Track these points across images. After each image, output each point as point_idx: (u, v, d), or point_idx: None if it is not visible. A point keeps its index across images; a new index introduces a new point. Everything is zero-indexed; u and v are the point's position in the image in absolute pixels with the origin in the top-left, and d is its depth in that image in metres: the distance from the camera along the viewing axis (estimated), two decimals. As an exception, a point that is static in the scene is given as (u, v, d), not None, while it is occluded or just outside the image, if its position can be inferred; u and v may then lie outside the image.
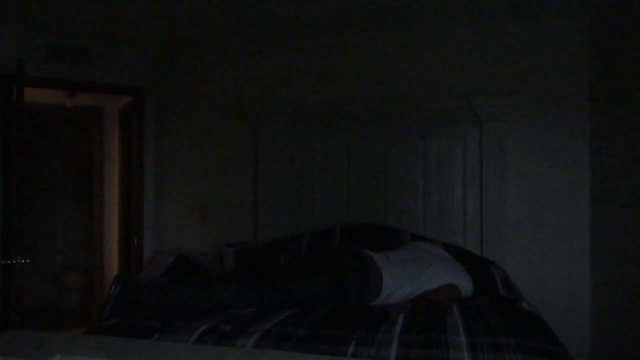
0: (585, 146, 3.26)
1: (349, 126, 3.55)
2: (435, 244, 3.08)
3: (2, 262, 3.21)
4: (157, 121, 4.03)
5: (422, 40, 3.51)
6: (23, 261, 3.10)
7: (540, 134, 3.33)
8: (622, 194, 2.82)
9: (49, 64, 3.57)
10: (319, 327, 1.88)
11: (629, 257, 2.73)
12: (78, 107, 4.65)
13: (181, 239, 3.96)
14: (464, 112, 3.30)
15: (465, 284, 2.60)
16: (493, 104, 3.26)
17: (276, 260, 3.28)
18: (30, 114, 3.67)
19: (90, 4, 3.09)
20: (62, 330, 4.75)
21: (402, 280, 2.50)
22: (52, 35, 3.58)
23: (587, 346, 3.20)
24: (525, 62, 3.35)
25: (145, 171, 3.98)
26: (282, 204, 3.65)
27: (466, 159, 3.36)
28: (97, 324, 2.10)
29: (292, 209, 3.65)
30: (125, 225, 4.41)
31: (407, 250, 2.90)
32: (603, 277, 3.10)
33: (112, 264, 4.68)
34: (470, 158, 3.35)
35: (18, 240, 3.18)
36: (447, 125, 3.39)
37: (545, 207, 3.32)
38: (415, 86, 3.50)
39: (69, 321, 5.35)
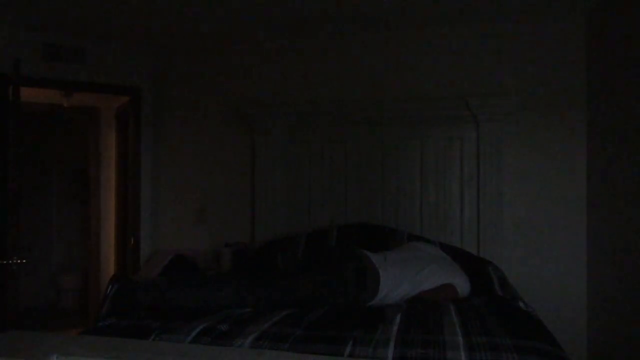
0: (582, 146, 3.27)
1: (346, 126, 3.55)
2: (432, 244, 3.08)
3: (-2, 262, 3.20)
4: (154, 121, 4.02)
5: (419, 41, 3.51)
6: (19, 261, 3.09)
7: (537, 134, 3.33)
8: (619, 193, 2.83)
9: (45, 63, 3.56)
10: (316, 327, 1.88)
11: (626, 256, 2.74)
12: (74, 106, 4.63)
13: (178, 238, 3.95)
14: (461, 113, 3.31)
15: (462, 284, 2.60)
16: (490, 104, 3.27)
17: (273, 260, 3.27)
18: (26, 113, 3.64)
19: (86, 2, 3.08)
20: (59, 331, 4.73)
21: (399, 280, 2.50)
22: (48, 34, 3.57)
23: (584, 346, 3.22)
24: (522, 63, 3.35)
25: (141, 170, 3.97)
26: (279, 204, 3.65)
27: (463, 159, 3.37)
28: (94, 324, 2.09)
29: (289, 208, 3.64)
30: (121, 225, 4.40)
31: (404, 250, 2.90)
32: (599, 277, 3.11)
33: (109, 264, 4.67)
34: (467, 158, 3.36)
35: (14, 240, 3.17)
36: (444, 125, 3.40)
37: (541, 206, 3.32)
38: (413, 86, 3.51)
39: (65, 321, 5.33)
